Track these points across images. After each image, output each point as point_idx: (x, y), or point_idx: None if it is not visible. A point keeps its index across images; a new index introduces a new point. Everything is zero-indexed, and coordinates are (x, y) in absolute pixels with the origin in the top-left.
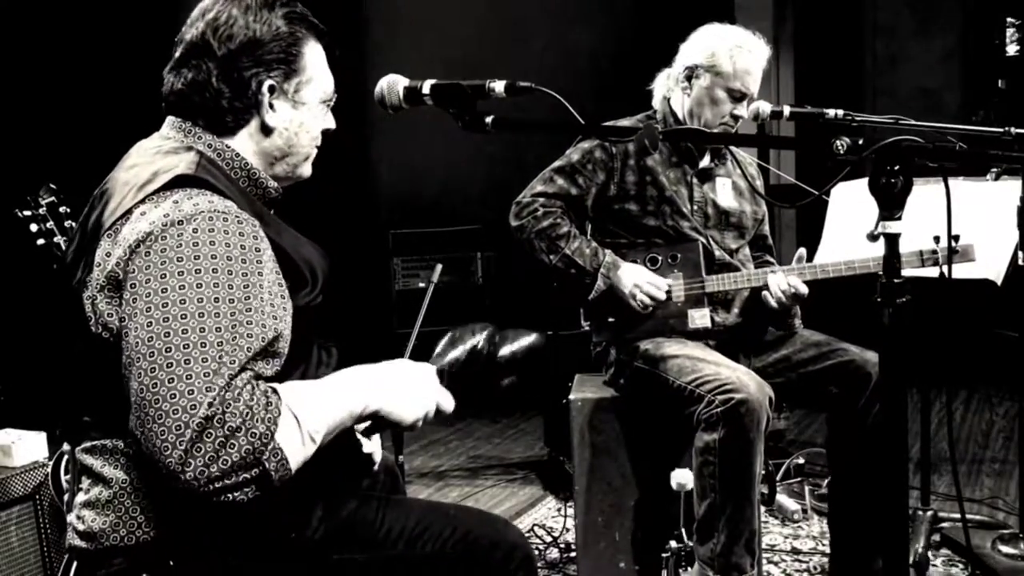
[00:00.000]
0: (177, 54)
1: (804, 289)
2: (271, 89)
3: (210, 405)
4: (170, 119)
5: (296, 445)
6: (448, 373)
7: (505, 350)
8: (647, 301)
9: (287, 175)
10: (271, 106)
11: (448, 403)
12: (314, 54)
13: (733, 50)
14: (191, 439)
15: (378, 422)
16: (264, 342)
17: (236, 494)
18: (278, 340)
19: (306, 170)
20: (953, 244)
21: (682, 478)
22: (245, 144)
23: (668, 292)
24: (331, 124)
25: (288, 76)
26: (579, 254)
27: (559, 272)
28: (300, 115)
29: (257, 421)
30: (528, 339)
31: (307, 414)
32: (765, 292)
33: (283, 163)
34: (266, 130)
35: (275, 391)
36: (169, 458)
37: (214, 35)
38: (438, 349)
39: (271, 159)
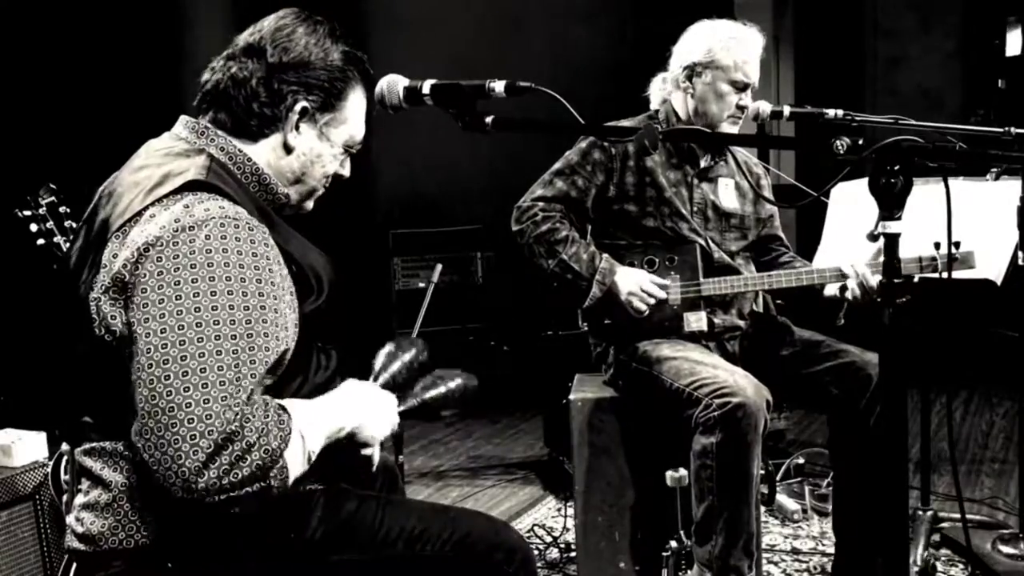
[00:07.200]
0: (229, 49)
1: (874, 281)
2: (303, 111)
3: (232, 419)
4: (184, 119)
5: (298, 463)
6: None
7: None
8: (643, 308)
9: (293, 201)
10: (297, 127)
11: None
12: (357, 100)
13: (728, 42)
14: (210, 450)
15: (351, 443)
16: (277, 355)
17: (239, 507)
18: (287, 352)
19: (309, 204)
20: (953, 251)
21: (675, 474)
22: (264, 155)
23: (665, 293)
24: (346, 172)
25: (324, 108)
26: (576, 259)
27: (556, 277)
28: (322, 147)
29: (271, 438)
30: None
31: (310, 434)
32: (844, 283)
33: (294, 188)
34: (288, 148)
35: (285, 409)
36: (183, 467)
37: (272, 42)
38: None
39: (284, 179)
